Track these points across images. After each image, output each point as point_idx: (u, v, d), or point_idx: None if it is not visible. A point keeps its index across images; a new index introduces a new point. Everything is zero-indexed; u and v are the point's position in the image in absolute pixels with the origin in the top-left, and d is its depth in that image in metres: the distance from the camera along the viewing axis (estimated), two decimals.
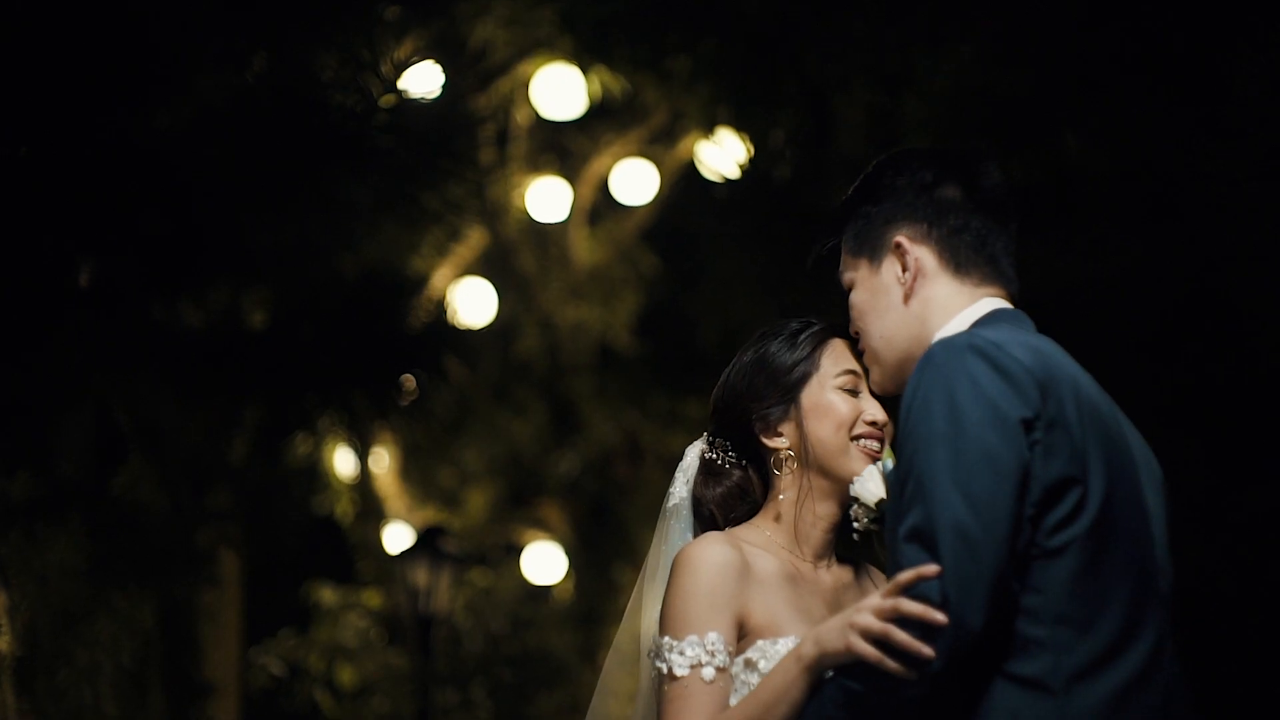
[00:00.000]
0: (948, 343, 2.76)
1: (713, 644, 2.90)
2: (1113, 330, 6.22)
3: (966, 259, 2.92)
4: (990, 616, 2.59)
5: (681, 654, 2.89)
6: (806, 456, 3.09)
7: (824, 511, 3.12)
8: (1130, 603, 2.69)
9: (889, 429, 3.08)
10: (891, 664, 2.61)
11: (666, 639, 2.93)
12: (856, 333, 3.05)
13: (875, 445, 3.07)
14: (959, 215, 2.93)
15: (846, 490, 3.09)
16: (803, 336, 3.15)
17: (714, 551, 2.98)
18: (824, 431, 3.08)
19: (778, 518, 3.12)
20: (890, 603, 2.62)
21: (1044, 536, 2.66)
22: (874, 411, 3.09)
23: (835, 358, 3.12)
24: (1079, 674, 2.63)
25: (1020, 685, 2.64)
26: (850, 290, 3.04)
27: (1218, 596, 6.32)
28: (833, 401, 3.09)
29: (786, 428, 3.12)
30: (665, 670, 2.91)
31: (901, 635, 2.61)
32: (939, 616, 2.58)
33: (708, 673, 2.88)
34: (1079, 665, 2.64)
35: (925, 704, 2.64)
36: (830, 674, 2.75)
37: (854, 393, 3.09)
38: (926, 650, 2.58)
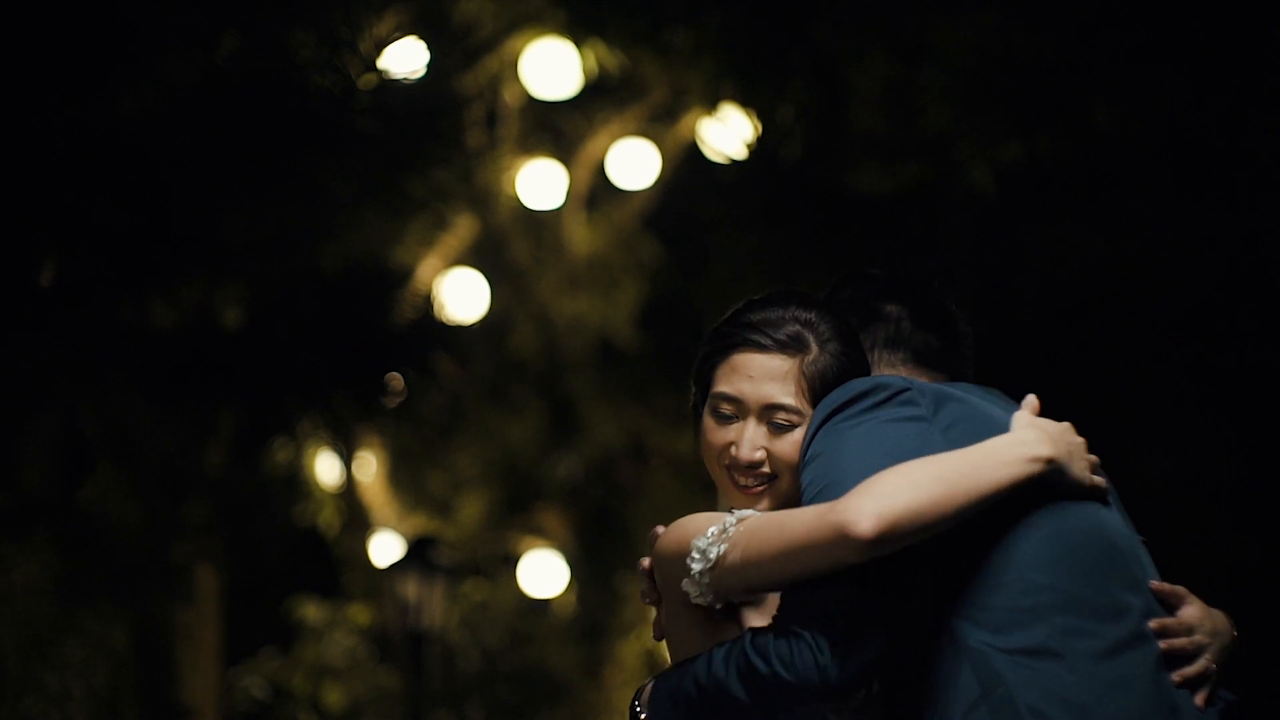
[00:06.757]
0: None
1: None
2: (1147, 311, 6.24)
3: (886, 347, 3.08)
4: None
5: (718, 527, 2.73)
6: None
7: None
8: (1095, 585, 2.76)
9: (781, 465, 2.87)
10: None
11: (693, 544, 2.74)
12: None
13: (749, 483, 2.86)
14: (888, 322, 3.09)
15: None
16: (717, 338, 2.93)
17: (700, 514, 2.90)
18: (703, 452, 2.93)
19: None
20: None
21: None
22: (745, 451, 2.85)
23: (729, 374, 2.90)
24: (1056, 641, 2.70)
25: (984, 653, 2.70)
26: None
27: (1259, 593, 6.34)
28: (705, 423, 2.91)
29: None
30: (719, 549, 2.70)
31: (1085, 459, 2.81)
32: None
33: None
34: (1041, 640, 2.69)
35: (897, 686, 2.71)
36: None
37: (729, 419, 2.86)
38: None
